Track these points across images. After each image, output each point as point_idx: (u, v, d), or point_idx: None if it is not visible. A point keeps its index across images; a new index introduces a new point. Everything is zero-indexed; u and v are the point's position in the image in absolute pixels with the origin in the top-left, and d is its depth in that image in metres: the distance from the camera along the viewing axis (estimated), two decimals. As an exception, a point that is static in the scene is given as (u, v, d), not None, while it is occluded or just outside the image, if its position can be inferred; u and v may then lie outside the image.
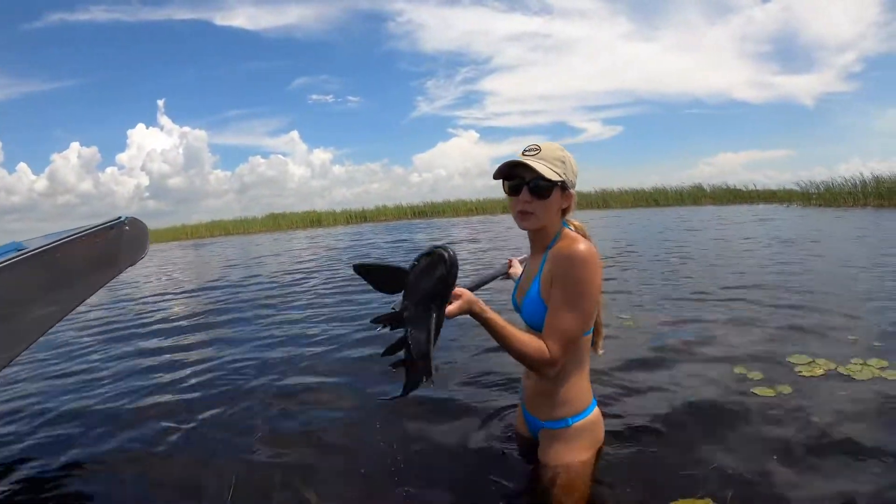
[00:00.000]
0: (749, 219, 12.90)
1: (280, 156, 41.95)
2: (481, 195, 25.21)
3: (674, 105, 44.41)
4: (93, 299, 6.17)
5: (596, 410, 1.54)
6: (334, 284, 6.13)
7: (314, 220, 24.98)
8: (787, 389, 2.21)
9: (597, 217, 16.97)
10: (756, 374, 2.38)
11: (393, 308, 1.18)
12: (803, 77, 39.94)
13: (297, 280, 6.88)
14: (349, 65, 47.68)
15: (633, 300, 4.15)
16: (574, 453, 1.51)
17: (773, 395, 2.18)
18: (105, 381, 3.08)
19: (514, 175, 1.44)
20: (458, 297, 1.25)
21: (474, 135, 44.06)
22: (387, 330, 1.19)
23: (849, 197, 16.60)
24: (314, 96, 44.24)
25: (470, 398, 2.35)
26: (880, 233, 8.64)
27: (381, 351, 1.23)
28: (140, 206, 36.87)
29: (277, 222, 24.54)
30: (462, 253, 8.34)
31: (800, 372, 2.38)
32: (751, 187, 22.47)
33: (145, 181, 38.00)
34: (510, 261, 2.02)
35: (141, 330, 4.53)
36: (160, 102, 38.87)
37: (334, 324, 4.06)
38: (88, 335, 4.46)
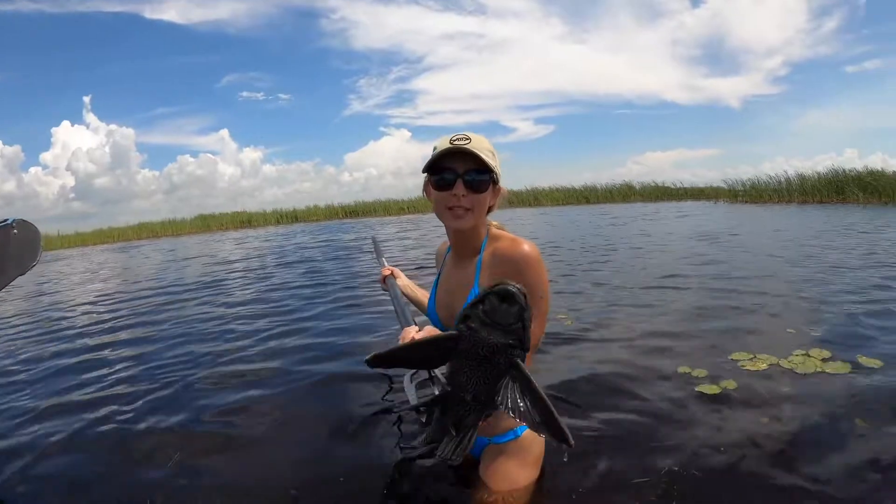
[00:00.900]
0: (675, 215, 13.48)
1: (209, 155, 39.70)
2: (413, 194, 25.18)
3: (604, 105, 46.18)
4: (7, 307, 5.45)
5: None
6: (263, 285, 5.69)
7: (244, 220, 24.28)
8: (731, 385, 2.12)
9: (528, 214, 17.13)
10: (700, 372, 2.27)
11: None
12: (731, 80, 42.59)
13: (219, 280, 6.34)
14: (281, 62, 46.16)
15: (569, 301, 3.94)
16: (524, 470, 1.35)
17: (718, 391, 2.08)
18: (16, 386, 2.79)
19: (445, 167, 1.24)
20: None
21: (406, 133, 43.87)
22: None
23: (774, 194, 17.34)
24: (245, 93, 42.24)
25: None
26: (805, 227, 9.13)
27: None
28: (66, 207, 34.23)
29: (207, 223, 23.60)
30: (394, 251, 8.06)
31: (743, 367, 2.31)
32: (679, 185, 23.49)
33: (71, 181, 34.89)
34: (391, 272, 1.88)
35: (58, 335, 4.06)
36: (86, 99, 35.92)
37: (262, 322, 3.81)
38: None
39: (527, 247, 1.22)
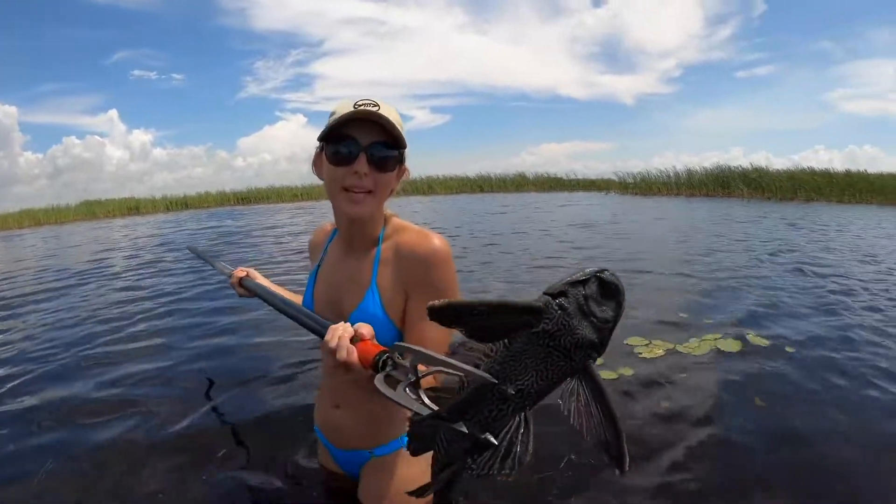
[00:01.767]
0: (565, 203, 14.22)
1: (97, 136, 36.50)
2: (307, 181, 24.06)
3: (501, 97, 47.73)
4: None
5: None
6: (146, 272, 5.30)
7: (132, 207, 21.85)
8: (628, 371, 2.20)
9: (418, 202, 17.13)
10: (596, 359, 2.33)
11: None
12: (626, 78, 45.77)
13: (99, 270, 5.77)
14: (175, 39, 42.87)
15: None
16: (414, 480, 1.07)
17: (615, 377, 2.14)
18: None
19: (345, 135, 1.00)
20: None
21: (302, 118, 42.42)
22: None
23: (663, 186, 18.11)
24: (136, 72, 39.48)
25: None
26: (687, 217, 10.00)
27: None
28: (-68, 192, 28.18)
29: (93, 210, 20.91)
30: (289, 240, 7.64)
31: (640, 354, 2.40)
32: (572, 177, 24.57)
33: (-57, 164, 28.86)
34: (246, 272, 1.46)
35: None
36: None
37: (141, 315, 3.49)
38: None
39: (437, 241, 1.04)
